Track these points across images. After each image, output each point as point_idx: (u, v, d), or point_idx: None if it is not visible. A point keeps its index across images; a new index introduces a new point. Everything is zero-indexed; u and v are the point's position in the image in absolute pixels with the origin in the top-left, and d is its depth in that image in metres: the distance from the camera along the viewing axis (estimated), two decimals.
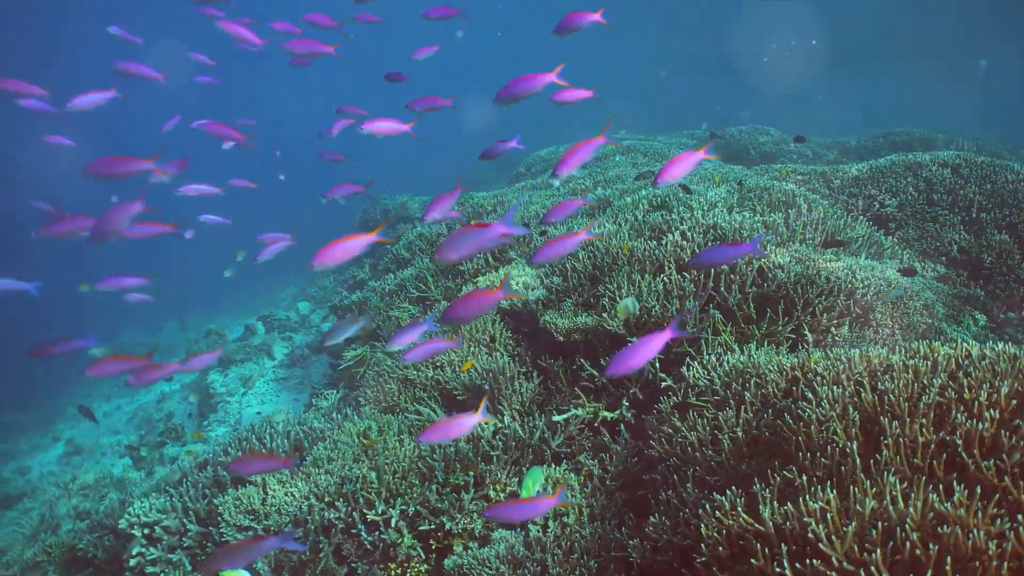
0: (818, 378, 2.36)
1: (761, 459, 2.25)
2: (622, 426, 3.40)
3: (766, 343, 3.36)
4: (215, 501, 2.90)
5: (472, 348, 3.77)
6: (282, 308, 11.22)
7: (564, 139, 13.34)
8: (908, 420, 1.84)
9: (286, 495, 2.85)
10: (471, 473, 3.04)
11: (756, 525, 1.75)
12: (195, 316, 15.60)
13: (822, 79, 29.40)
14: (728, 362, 3.01)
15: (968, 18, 26.70)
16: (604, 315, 3.56)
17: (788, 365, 2.67)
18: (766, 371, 2.72)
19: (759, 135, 10.67)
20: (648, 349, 2.37)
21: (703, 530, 1.90)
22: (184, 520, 2.93)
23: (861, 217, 4.90)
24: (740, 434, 2.38)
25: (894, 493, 1.58)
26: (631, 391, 3.46)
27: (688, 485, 2.32)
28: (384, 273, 6.21)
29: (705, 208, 4.25)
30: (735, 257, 2.83)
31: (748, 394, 2.60)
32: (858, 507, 1.57)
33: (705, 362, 3.22)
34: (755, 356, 3.04)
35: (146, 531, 2.92)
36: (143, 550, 2.88)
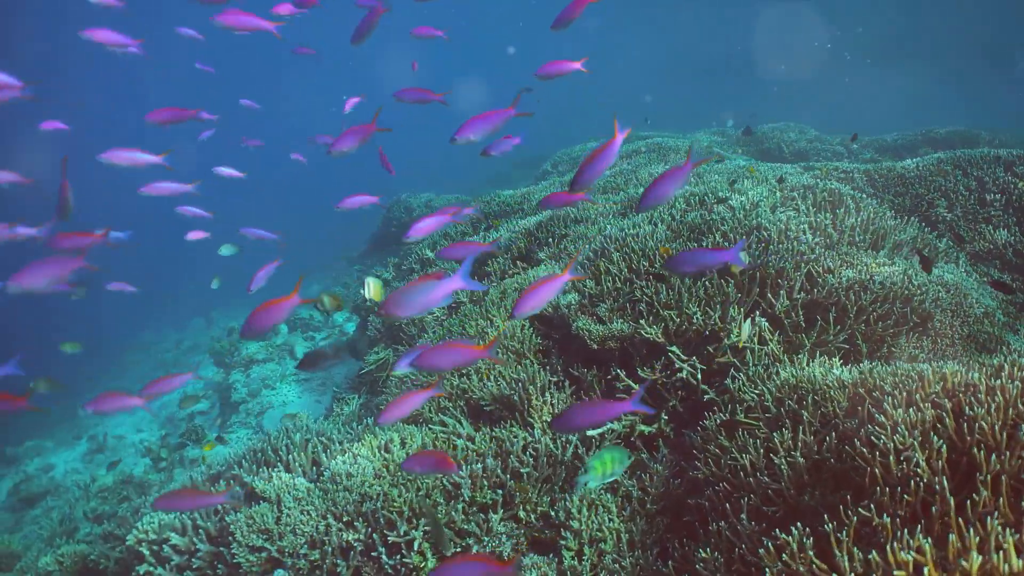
0: (888, 398, 2.12)
1: (826, 489, 2.02)
2: (660, 441, 3.18)
3: (818, 353, 3.12)
4: (227, 519, 2.73)
5: (500, 355, 3.56)
6: (305, 306, 11.12)
7: (583, 134, 13.09)
8: (1007, 453, 1.60)
9: (302, 513, 2.67)
10: (499, 491, 2.83)
11: (834, 575, 1.53)
12: (222, 312, 15.58)
13: (833, 79, 28.87)
14: (780, 375, 2.78)
15: (996, 17, 25.94)
16: (641, 322, 3.34)
17: (850, 381, 2.43)
18: (824, 387, 2.48)
19: (791, 132, 10.34)
20: (599, 415, 2.25)
21: (767, 575, 1.68)
22: (194, 539, 2.77)
23: (912, 218, 4.61)
24: (800, 459, 2.14)
25: (1004, 544, 1.35)
26: (670, 404, 3.23)
27: (743, 516, 2.10)
28: (408, 274, 6.03)
29: (747, 208, 4.00)
30: (713, 264, 2.62)
31: (806, 413, 2.37)
32: (962, 562, 1.34)
33: (752, 374, 2.99)
34: (809, 369, 2.80)
35: (154, 548, 2.76)
36: (151, 569, 2.73)
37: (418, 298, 2.14)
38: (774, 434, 2.34)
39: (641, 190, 5.40)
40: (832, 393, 2.40)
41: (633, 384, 3.26)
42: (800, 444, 2.22)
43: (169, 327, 15.23)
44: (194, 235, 4.75)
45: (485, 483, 2.88)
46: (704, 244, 3.70)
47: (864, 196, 4.75)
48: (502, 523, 2.78)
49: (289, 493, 2.77)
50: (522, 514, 2.83)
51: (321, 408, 6.61)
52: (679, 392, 3.25)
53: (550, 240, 4.82)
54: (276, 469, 2.98)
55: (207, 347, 11.14)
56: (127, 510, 4.34)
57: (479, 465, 2.89)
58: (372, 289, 3.71)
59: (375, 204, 3.65)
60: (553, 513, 2.78)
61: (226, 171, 5.07)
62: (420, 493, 2.78)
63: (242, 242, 5.03)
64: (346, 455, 2.93)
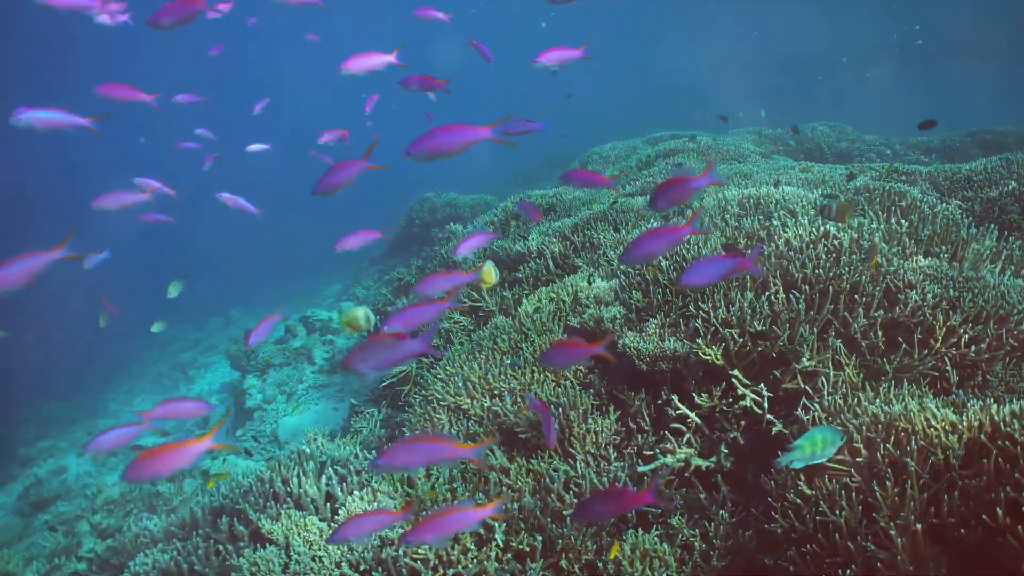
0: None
1: (956, 567, 1.64)
2: (720, 478, 2.80)
3: (904, 382, 2.71)
4: (229, 562, 2.41)
5: (537, 375, 3.20)
6: (325, 307, 10.85)
7: (603, 134, 12.63)
8: None
9: (313, 560, 2.33)
10: (539, 537, 2.47)
11: None
12: (242, 311, 15.40)
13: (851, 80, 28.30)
14: (867, 410, 2.39)
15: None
16: (698, 341, 2.96)
17: (962, 423, 2.04)
18: (930, 429, 2.08)
19: (832, 133, 9.93)
20: (614, 508, 2.05)
21: None
22: None
23: (992, 226, 4.17)
24: (915, 524, 1.75)
25: None
26: (730, 435, 2.85)
27: None
28: None
29: (812, 212, 3.60)
30: (731, 272, 2.37)
31: (910, 462, 1.98)
32: None
33: (829, 405, 2.60)
34: (900, 404, 2.40)
35: None
36: None
37: (379, 357, 2.09)
38: (874, 487, 1.95)
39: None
40: (943, 439, 2.00)
41: (689, 412, 2.88)
42: (910, 503, 1.83)
43: (189, 325, 15.04)
44: (151, 218, 4.45)
45: (522, 525, 2.52)
46: (766, 253, 3.30)
47: (936, 200, 4.32)
48: (541, 573, 2.42)
49: (299, 534, 2.43)
50: (564, 563, 2.46)
51: (338, 417, 6.29)
52: (740, 422, 2.87)
53: (587, 244, 4.44)
54: (285, 505, 2.64)
55: (224, 348, 10.91)
56: (130, 528, 4.03)
57: (515, 504, 2.54)
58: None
59: (378, 239, 3.26)
60: (600, 564, 2.41)
61: (186, 144, 4.76)
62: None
63: (224, 212, 4.62)
64: (364, 490, 2.59)
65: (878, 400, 2.48)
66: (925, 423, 2.14)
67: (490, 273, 3.44)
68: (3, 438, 10.06)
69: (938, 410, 2.22)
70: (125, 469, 1.90)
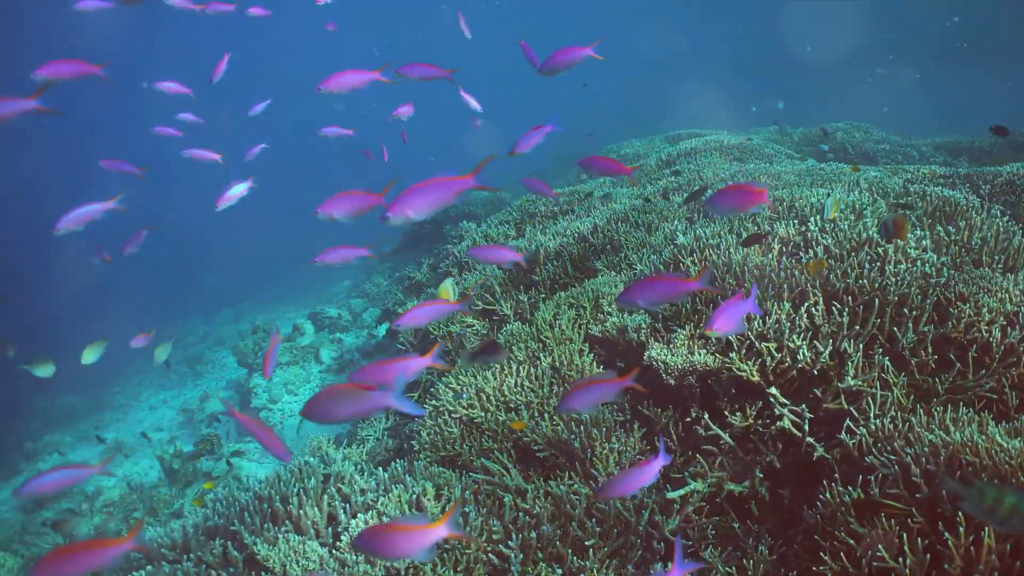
0: None
1: None
2: (754, 505, 2.58)
3: (961, 405, 2.48)
4: None
5: (555, 388, 2.99)
6: (334, 304, 10.68)
7: (613, 133, 12.40)
8: None
9: None
10: (558, 569, 2.26)
11: None
12: (252, 304, 15.29)
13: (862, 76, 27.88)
14: (923, 438, 2.16)
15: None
16: (731, 355, 2.73)
17: None
18: (1003, 465, 1.86)
19: (858, 132, 9.65)
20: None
21: None
22: None
23: None
24: None
25: None
26: (766, 459, 2.63)
27: None
28: (444, 277, 5.48)
29: (851, 217, 3.37)
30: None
31: None
32: None
33: (876, 429, 2.38)
34: (960, 431, 2.17)
35: None
36: None
37: (344, 407, 1.84)
38: (945, 533, 1.72)
39: (709, 192, 4.76)
40: (1020, 477, 1.78)
41: (720, 432, 2.66)
42: (988, 556, 1.61)
43: (200, 319, 14.94)
44: (133, 243, 4.31)
45: (540, 555, 2.31)
46: (803, 259, 3.07)
47: (978, 204, 4.07)
48: None
49: (298, 562, 2.23)
50: None
51: None
52: (777, 444, 2.65)
53: (607, 247, 4.22)
54: (284, 527, 2.45)
55: (232, 343, 10.77)
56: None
57: (533, 533, 2.33)
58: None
59: (364, 256, 3.05)
60: None
61: (199, 153, 4.56)
62: (459, 568, 2.23)
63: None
64: (369, 513, 2.39)
65: (934, 426, 2.25)
66: (992, 456, 1.91)
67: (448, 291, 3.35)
68: (10, 431, 9.97)
69: (1006, 440, 1.99)
70: (30, 572, 1.69)
